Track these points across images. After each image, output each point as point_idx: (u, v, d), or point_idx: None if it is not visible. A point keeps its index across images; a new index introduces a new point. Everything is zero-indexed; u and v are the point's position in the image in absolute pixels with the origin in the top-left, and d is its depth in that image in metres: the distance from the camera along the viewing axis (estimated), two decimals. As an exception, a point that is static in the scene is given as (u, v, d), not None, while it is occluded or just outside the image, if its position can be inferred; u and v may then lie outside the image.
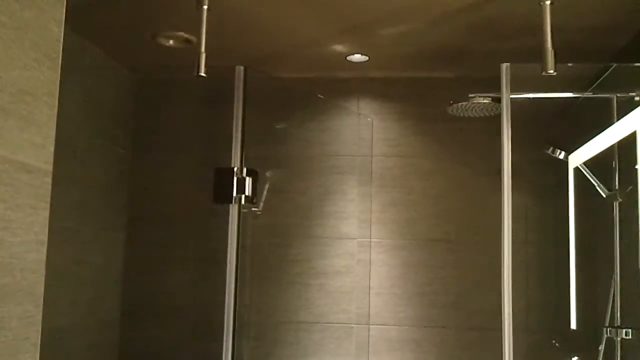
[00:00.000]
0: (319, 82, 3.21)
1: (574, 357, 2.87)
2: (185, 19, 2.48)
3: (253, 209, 2.71)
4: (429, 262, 3.09)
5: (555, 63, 1.87)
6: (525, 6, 2.25)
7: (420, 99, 3.17)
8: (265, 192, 2.94)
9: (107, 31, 2.68)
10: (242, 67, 2.07)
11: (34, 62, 1.03)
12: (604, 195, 2.49)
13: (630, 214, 2.35)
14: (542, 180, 3.03)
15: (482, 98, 2.48)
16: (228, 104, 2.31)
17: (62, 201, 2.54)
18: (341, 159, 3.18)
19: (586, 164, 2.65)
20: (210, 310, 3.02)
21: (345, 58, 2.92)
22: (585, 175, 2.66)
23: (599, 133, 2.57)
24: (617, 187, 2.46)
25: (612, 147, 2.49)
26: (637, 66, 2.29)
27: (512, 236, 2.31)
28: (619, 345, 2.36)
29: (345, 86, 3.21)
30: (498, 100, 2.48)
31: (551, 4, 1.92)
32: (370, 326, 3.07)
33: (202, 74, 2.04)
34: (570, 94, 2.52)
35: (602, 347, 2.57)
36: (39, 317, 1.09)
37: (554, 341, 2.94)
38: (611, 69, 2.47)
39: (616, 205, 2.44)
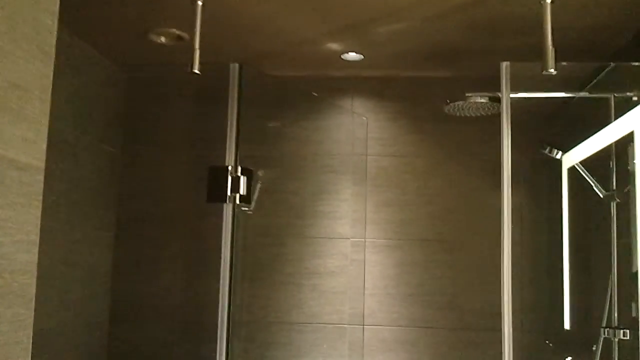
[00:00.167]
0: (313, 81, 3.18)
1: (567, 357, 2.86)
2: (177, 16, 2.44)
3: (243, 208, 2.68)
4: (424, 262, 3.07)
5: (556, 62, 1.84)
6: (524, 5, 2.23)
7: (415, 98, 3.15)
8: (257, 192, 2.90)
9: (97, 27, 2.64)
10: (236, 65, 2.04)
11: (27, 54, 0.99)
12: (602, 196, 2.48)
13: (628, 214, 2.33)
14: (537, 180, 3.02)
15: (479, 97, 2.46)
16: (221, 102, 2.27)
17: (49, 200, 2.49)
18: (335, 158, 3.16)
19: (582, 164, 2.63)
20: (202, 311, 2.99)
21: (340, 56, 2.89)
22: (581, 175, 2.65)
23: (594, 133, 2.56)
24: (614, 188, 2.44)
25: (609, 147, 2.47)
26: (636, 65, 2.28)
27: (508, 236, 2.29)
28: (616, 345, 2.35)
29: (339, 85, 3.18)
30: (495, 99, 2.47)
31: (552, 2, 1.90)
32: (364, 327, 3.05)
33: (196, 71, 2.01)
34: (568, 94, 2.50)
35: (596, 348, 2.56)
36: (31, 320, 1.05)
37: (547, 341, 2.93)
38: (609, 68, 2.45)
39: (614, 205, 2.43)
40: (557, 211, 2.89)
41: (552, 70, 1.85)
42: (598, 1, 2.19)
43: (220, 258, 2.24)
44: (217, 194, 2.04)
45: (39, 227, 1.07)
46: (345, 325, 3.06)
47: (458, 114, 2.72)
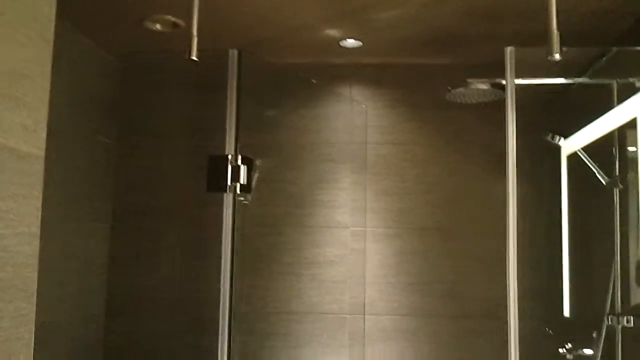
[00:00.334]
0: (312, 68, 3.14)
1: (567, 344, 2.85)
2: (173, 2, 2.40)
3: (240, 198, 2.65)
4: (423, 251, 3.05)
5: (561, 47, 1.81)
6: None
7: (415, 85, 3.12)
8: (254, 181, 2.87)
9: (92, 15, 2.59)
10: (235, 51, 2.00)
11: (26, 40, 0.95)
12: (604, 183, 2.46)
13: (631, 201, 2.32)
14: (537, 167, 3.00)
15: (481, 83, 2.43)
16: (218, 90, 2.23)
17: (44, 191, 2.45)
18: (334, 147, 3.13)
19: (583, 150, 2.61)
20: (201, 303, 2.96)
21: (339, 43, 2.86)
22: (581, 162, 2.63)
23: (595, 120, 2.54)
24: (617, 174, 2.42)
25: (611, 133, 2.45)
26: (639, 50, 2.25)
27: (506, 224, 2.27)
28: (619, 332, 2.34)
29: (338, 72, 3.15)
30: (497, 86, 2.44)
31: (557, -15, 1.86)
32: (365, 316, 3.03)
33: (194, 58, 1.96)
34: (570, 80, 2.47)
35: (598, 334, 2.56)
36: (32, 315, 1.02)
37: (547, 329, 2.92)
38: (611, 53, 2.43)
39: (616, 192, 2.41)
40: (558, 198, 2.88)
41: (557, 55, 1.82)
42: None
43: (219, 249, 2.21)
44: (217, 184, 2.00)
45: (39, 218, 1.04)
46: (345, 315, 3.04)
47: (459, 100, 2.69)
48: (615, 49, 2.42)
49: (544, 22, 2.05)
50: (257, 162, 2.93)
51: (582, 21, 2.48)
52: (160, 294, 3.07)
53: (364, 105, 3.12)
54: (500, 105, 2.44)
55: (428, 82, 3.09)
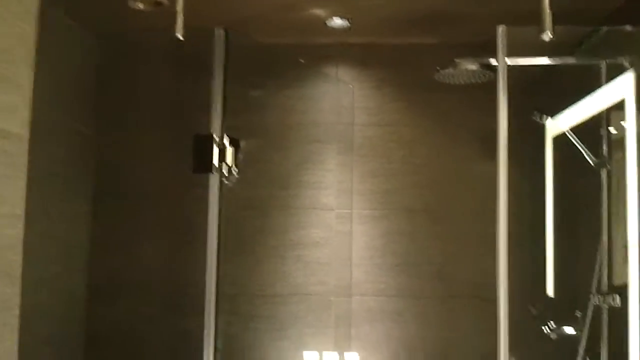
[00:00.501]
0: (297, 49, 3.09)
1: (550, 323, 2.87)
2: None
3: (226, 182, 2.62)
4: (410, 232, 3.04)
5: (553, 26, 1.79)
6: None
7: (402, 66, 3.09)
8: (238, 162, 2.84)
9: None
10: (222, 29, 1.95)
11: (12, 19, 0.91)
12: (592, 163, 2.46)
13: (619, 181, 2.32)
14: (523, 148, 2.99)
15: (470, 64, 2.41)
16: (203, 70, 2.18)
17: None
18: (320, 128, 3.10)
19: (572, 131, 2.61)
20: (185, 285, 2.92)
21: (325, 23, 2.82)
22: (568, 143, 2.62)
23: (583, 100, 2.53)
24: (605, 155, 2.42)
25: (599, 114, 2.45)
26: (628, 30, 2.24)
27: (493, 205, 2.26)
28: (606, 311, 2.35)
29: (324, 53, 3.11)
30: (486, 66, 2.42)
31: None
32: (351, 298, 3.02)
33: (179, 36, 1.92)
34: (560, 59, 2.46)
35: (580, 314, 2.58)
36: (17, 299, 0.99)
37: (530, 308, 2.94)
38: (600, 32, 2.41)
39: (604, 172, 2.41)
40: (543, 179, 2.88)
41: (549, 34, 1.80)
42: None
43: (203, 231, 2.17)
44: (203, 165, 1.96)
45: (24, 200, 1.00)
46: (331, 297, 3.03)
47: (448, 81, 2.66)
48: (604, 28, 2.40)
49: (533, 1, 2.03)
50: (242, 144, 2.89)
51: (571, 0, 2.46)
52: (144, 277, 3.03)
53: (350, 86, 3.09)
54: (488, 86, 2.42)
55: (416, 63, 3.06)
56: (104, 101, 3.09)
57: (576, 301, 2.67)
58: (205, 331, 1.99)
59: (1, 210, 0.90)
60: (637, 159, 2.12)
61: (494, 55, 2.18)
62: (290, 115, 3.10)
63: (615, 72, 2.32)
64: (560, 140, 2.75)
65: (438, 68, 2.59)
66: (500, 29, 1.99)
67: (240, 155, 2.62)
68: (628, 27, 2.21)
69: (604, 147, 2.45)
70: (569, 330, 2.64)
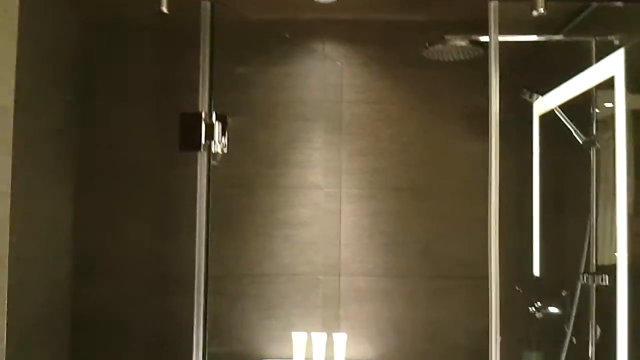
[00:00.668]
0: (284, 24, 3.05)
1: (536, 302, 2.89)
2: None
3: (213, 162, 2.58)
4: (398, 211, 3.04)
5: (545, 1, 1.77)
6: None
7: (390, 43, 3.06)
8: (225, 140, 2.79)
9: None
10: (208, 3, 1.90)
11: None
12: (581, 142, 2.45)
13: (608, 160, 2.32)
14: (512, 126, 2.98)
15: (459, 40, 2.38)
16: (188, 45, 2.14)
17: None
18: (307, 105, 3.06)
19: (560, 109, 2.60)
20: (172, 265, 2.90)
21: (312, -3, 2.77)
22: (556, 121, 2.61)
23: (572, 78, 2.52)
24: (594, 133, 2.42)
25: (588, 92, 2.44)
26: (619, 7, 2.22)
27: (480, 184, 2.24)
28: (594, 291, 2.36)
29: (311, 29, 3.06)
30: (476, 42, 2.39)
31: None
32: (339, 277, 3.02)
33: (164, 10, 1.87)
34: (550, 37, 2.44)
35: (567, 293, 2.59)
36: (5, 281, 0.95)
37: (517, 287, 2.95)
38: (590, 8, 2.39)
39: (593, 151, 2.41)
40: (530, 158, 2.87)
41: (541, 9, 1.78)
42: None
43: (190, 210, 2.14)
44: (191, 142, 1.92)
45: (10, 175, 0.96)
46: (319, 276, 3.02)
47: (437, 58, 2.64)
48: (594, 4, 2.39)
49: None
50: (229, 121, 2.85)
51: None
52: (129, 257, 3.00)
53: (338, 63, 3.05)
54: (476, 63, 2.40)
55: (404, 40, 3.02)
56: (89, 78, 3.03)
57: (563, 281, 2.68)
58: (195, 310, 1.96)
59: (-14, 187, 0.86)
60: (626, 137, 2.11)
61: (484, 33, 2.15)
62: (277, 92, 3.06)
63: (605, 49, 2.30)
64: (548, 119, 2.74)
65: (427, 44, 2.56)
66: (492, 5, 1.96)
67: (228, 133, 2.58)
68: (618, 3, 2.19)
69: (594, 126, 2.45)
70: (555, 310, 2.66)
